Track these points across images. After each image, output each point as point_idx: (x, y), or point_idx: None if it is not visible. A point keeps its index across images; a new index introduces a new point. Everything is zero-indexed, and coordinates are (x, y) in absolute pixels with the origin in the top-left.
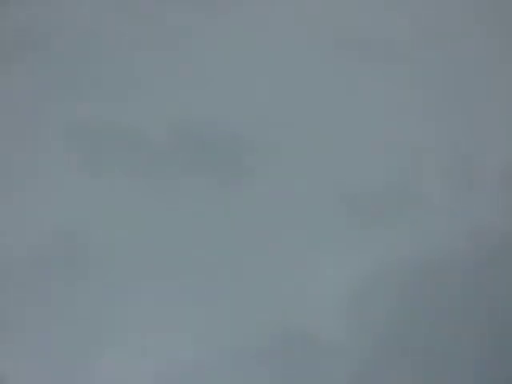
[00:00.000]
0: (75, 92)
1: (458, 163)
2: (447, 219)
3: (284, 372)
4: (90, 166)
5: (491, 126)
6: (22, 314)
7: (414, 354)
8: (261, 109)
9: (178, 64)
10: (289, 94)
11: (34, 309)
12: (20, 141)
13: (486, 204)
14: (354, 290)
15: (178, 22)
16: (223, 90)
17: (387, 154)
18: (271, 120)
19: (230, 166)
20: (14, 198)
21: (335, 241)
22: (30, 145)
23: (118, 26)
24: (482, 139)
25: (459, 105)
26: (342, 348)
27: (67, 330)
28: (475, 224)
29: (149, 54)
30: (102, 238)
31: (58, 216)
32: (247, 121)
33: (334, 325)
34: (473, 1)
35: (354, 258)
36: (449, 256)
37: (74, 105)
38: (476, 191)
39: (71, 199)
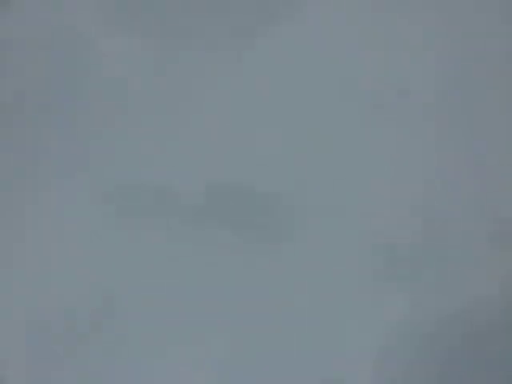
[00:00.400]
0: (105, 152)
1: (482, 217)
2: (474, 273)
3: None
4: (123, 223)
5: None
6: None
7: None
8: (299, 169)
9: (211, 120)
10: (326, 154)
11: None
12: (49, 198)
13: None
14: (382, 345)
15: (202, 76)
16: (260, 149)
17: (413, 211)
18: (310, 181)
19: (266, 227)
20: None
21: (369, 299)
22: (61, 202)
23: (143, 84)
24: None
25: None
26: None
27: None
28: (504, 278)
29: (179, 111)
30: (131, 293)
31: (91, 268)
32: (285, 181)
33: (364, 377)
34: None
35: (383, 313)
36: (477, 309)
37: (104, 165)
38: (502, 245)
39: (103, 254)
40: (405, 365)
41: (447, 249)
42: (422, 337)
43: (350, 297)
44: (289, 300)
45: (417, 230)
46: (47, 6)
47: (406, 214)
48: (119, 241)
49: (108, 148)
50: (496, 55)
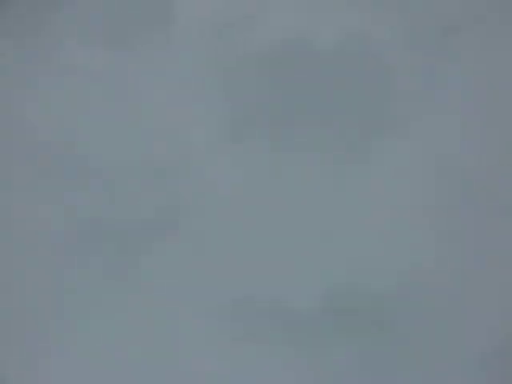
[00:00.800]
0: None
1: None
2: None
3: None
4: (237, 344)
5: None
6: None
7: None
8: (402, 273)
9: (318, 231)
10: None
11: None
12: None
13: None
14: None
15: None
16: (364, 255)
17: None
18: (413, 285)
19: (376, 334)
20: None
21: None
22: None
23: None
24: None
25: None
26: None
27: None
28: None
29: (288, 221)
30: None
31: None
32: (390, 286)
33: None
34: None
35: None
36: None
37: (219, 282)
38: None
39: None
40: None
41: None
42: None
43: None
44: None
45: None
46: None
47: None
48: (235, 360)
49: (220, 262)
50: None
